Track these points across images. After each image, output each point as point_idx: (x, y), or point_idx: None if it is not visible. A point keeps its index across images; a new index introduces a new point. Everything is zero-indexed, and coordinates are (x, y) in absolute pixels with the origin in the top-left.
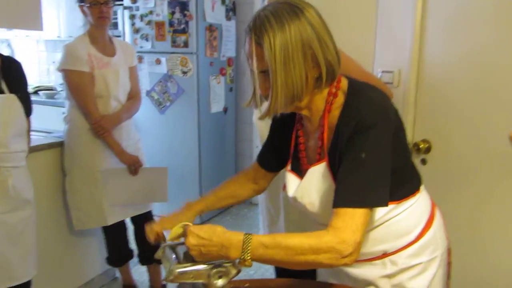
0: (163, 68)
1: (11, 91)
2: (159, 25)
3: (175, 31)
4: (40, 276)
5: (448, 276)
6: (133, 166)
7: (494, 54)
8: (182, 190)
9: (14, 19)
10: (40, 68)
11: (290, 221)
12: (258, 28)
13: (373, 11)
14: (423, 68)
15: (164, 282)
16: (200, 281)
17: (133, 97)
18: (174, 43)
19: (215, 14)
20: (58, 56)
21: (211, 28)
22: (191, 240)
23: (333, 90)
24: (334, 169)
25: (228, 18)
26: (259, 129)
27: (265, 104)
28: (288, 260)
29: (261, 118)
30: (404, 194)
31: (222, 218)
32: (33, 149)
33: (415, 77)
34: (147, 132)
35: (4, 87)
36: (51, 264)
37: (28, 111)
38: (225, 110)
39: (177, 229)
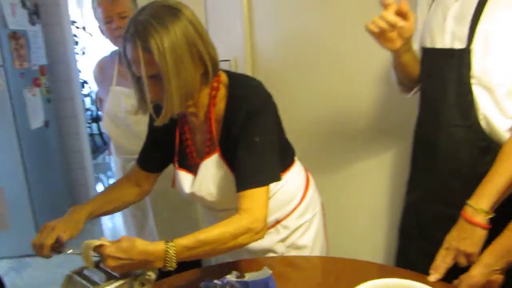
0: None
1: None
2: None
3: None
4: None
5: (324, 225)
6: None
7: (316, 32)
8: (13, 217)
9: None
10: None
11: (160, 220)
12: (142, 33)
13: (201, 5)
14: (256, 53)
15: None
16: None
17: None
18: None
19: (17, 19)
20: None
21: (15, 35)
22: (111, 263)
23: (215, 84)
24: (227, 158)
25: (32, 22)
26: (111, 136)
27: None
28: (213, 253)
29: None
30: (285, 166)
31: None
32: None
33: (250, 63)
34: None
35: None
36: None
37: None
38: (47, 123)
39: (87, 251)
